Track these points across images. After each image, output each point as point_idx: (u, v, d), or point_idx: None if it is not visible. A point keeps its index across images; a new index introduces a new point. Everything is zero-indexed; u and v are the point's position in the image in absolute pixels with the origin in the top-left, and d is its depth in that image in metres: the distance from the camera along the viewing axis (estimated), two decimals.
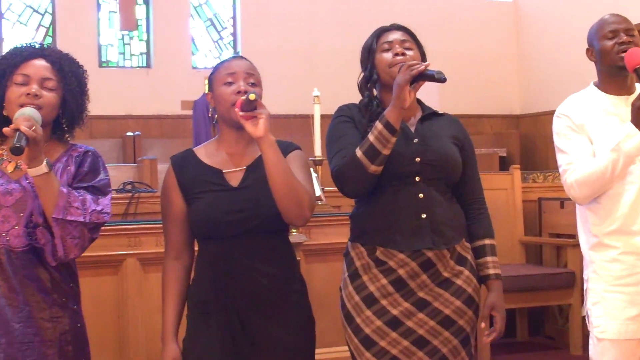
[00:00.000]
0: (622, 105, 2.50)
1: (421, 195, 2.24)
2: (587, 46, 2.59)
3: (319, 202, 3.93)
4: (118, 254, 3.47)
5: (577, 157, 2.48)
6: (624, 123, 2.42)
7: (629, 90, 2.53)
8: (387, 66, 2.29)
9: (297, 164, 2.21)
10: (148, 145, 7.09)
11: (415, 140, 2.28)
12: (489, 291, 2.33)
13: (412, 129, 2.32)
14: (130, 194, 4.29)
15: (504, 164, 7.53)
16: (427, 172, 2.26)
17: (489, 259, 2.36)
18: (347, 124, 2.31)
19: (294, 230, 3.60)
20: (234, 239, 2.12)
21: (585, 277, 2.58)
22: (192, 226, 2.20)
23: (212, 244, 2.16)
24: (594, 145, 2.48)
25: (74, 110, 2.22)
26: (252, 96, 2.08)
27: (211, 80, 2.26)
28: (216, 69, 2.27)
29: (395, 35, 2.33)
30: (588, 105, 2.54)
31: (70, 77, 2.20)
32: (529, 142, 8.04)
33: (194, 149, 2.29)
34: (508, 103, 8.43)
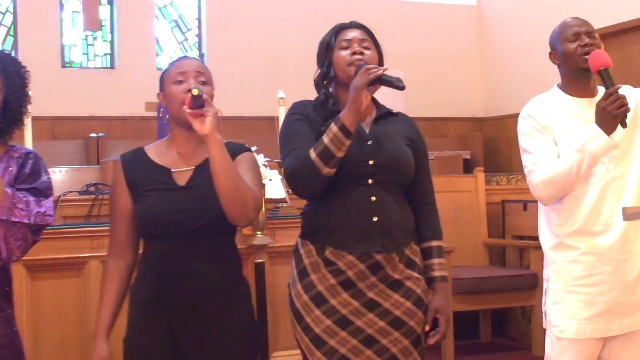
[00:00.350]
0: (585, 107, 2.53)
1: (373, 198, 2.25)
2: (549, 50, 2.63)
3: (284, 204, 3.93)
4: (81, 256, 3.39)
5: (542, 158, 2.51)
6: (588, 125, 2.46)
7: (592, 93, 2.57)
8: (345, 64, 2.29)
9: (245, 165, 2.20)
10: (111, 147, 7.02)
11: (369, 142, 2.29)
12: (434, 293, 2.34)
13: (367, 130, 2.32)
14: (93, 196, 4.25)
15: (468, 167, 7.57)
16: (380, 175, 2.27)
17: (435, 260, 2.36)
18: (300, 122, 2.31)
19: (259, 233, 3.60)
20: (178, 239, 2.11)
21: (545, 276, 2.60)
22: (138, 224, 2.19)
23: (156, 243, 2.14)
24: (559, 146, 2.51)
25: (16, 112, 2.20)
26: (195, 91, 2.08)
27: (162, 79, 2.27)
28: (167, 68, 2.28)
29: (354, 34, 2.33)
30: (552, 107, 2.56)
31: (14, 77, 2.18)
32: (492, 145, 8.09)
33: (145, 147, 2.29)
34: (472, 106, 8.48)
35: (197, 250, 2.13)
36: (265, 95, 6.96)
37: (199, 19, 7.92)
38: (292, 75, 7.56)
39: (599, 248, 2.48)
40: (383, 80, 2.16)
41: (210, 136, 2.08)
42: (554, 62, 2.62)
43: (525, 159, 2.56)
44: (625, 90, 2.51)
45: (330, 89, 2.35)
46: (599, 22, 6.79)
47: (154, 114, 6.07)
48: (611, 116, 2.39)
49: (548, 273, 2.58)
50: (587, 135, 2.44)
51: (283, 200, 3.87)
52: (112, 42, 7.66)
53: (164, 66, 7.72)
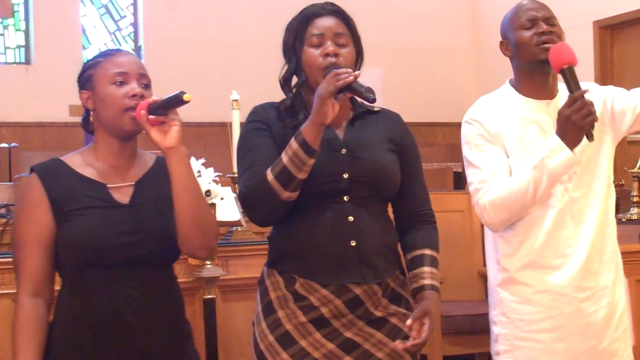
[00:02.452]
0: (542, 111, 2.49)
1: (350, 218, 2.26)
2: (501, 39, 2.59)
3: (238, 228, 3.93)
4: None
5: (491, 174, 2.46)
6: (546, 133, 2.43)
7: (550, 93, 2.52)
8: (316, 68, 2.30)
9: None
10: (27, 159, 6.96)
11: (343, 152, 2.30)
12: (423, 298, 2.30)
13: (341, 136, 2.34)
14: (3, 220, 4.22)
15: (459, 181, 7.60)
16: (357, 190, 2.28)
17: (426, 269, 2.34)
18: (260, 131, 2.33)
19: (208, 263, 3.59)
20: (117, 268, 2.10)
21: (492, 318, 2.55)
22: (65, 250, 2.14)
23: (90, 274, 2.12)
24: (510, 159, 2.47)
25: None
26: (187, 96, 2.10)
27: (89, 76, 2.25)
28: (97, 63, 2.25)
29: (328, 24, 2.33)
30: (503, 110, 2.52)
31: None
32: None
33: (62, 158, 2.27)
34: (464, 109, 8.52)
35: (143, 284, 2.13)
36: (216, 97, 6.95)
37: (135, 4, 7.92)
38: (250, 72, 7.61)
39: (555, 285, 2.43)
40: (352, 89, 2.18)
41: (176, 149, 2.11)
42: (505, 54, 2.57)
43: (471, 175, 2.51)
44: (591, 93, 2.41)
45: (301, 91, 2.37)
46: (615, 9, 6.97)
47: (80, 119, 6.05)
48: (576, 127, 2.31)
49: (496, 315, 2.53)
50: (546, 149, 2.37)
51: (237, 223, 3.87)
52: (27, 32, 7.62)
53: None
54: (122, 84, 2.21)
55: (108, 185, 2.20)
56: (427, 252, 2.36)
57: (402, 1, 8.40)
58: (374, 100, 2.15)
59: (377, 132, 2.37)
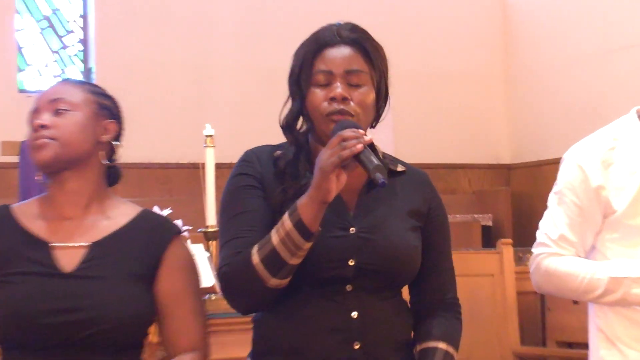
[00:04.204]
0: None
1: (354, 314, 2.29)
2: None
3: (213, 296, 3.91)
4: None
5: (570, 242, 2.81)
6: None
7: None
8: (319, 114, 2.32)
9: (185, 279, 2.33)
10: None
11: (352, 231, 2.32)
12: None
13: (351, 207, 2.35)
14: None
15: (488, 237, 7.64)
16: (364, 280, 2.31)
17: None
18: (251, 190, 2.35)
19: None
20: (53, 353, 2.10)
21: None
22: None
23: (16, 357, 2.11)
24: (618, 214, 2.74)
25: None
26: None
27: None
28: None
29: (340, 58, 2.33)
30: (624, 155, 2.76)
31: None
32: (524, 205, 8.16)
33: (14, 205, 2.30)
34: (494, 148, 8.61)
35: None
36: (185, 132, 6.96)
37: (85, 17, 7.93)
38: (227, 103, 7.61)
39: None
40: (359, 160, 2.19)
41: None
42: None
43: (548, 226, 2.86)
44: None
45: (307, 139, 2.39)
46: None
47: (16, 158, 6.02)
48: None
49: None
50: (636, 270, 2.69)
51: (211, 290, 3.84)
52: None
53: (30, 87, 7.86)
54: (32, 124, 2.28)
55: (53, 245, 2.20)
56: (442, 345, 2.38)
57: (417, 19, 8.42)
58: (383, 185, 2.14)
59: (398, 204, 2.39)
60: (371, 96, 2.35)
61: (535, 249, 2.89)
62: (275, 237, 2.21)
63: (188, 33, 7.82)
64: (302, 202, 2.20)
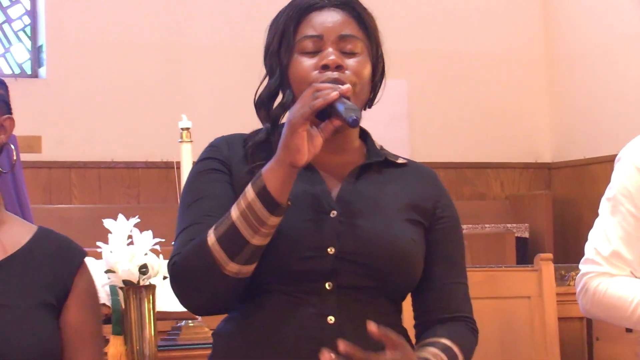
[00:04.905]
0: None
1: (331, 318, 2.30)
2: None
3: (190, 322, 3.90)
4: None
5: (625, 260, 2.88)
6: None
7: None
8: (308, 86, 2.31)
9: (86, 316, 2.36)
10: None
11: (333, 214, 2.35)
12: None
13: (335, 191, 2.39)
14: None
15: (524, 252, 7.65)
16: (347, 275, 2.32)
17: (431, 349, 2.35)
18: (215, 174, 2.40)
19: None
20: None
21: None
22: None
23: None
24: None
25: None
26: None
27: None
28: None
29: (330, 21, 2.39)
30: None
31: None
32: (568, 213, 8.23)
33: None
34: (531, 143, 8.63)
35: None
36: (156, 125, 6.95)
37: None
38: (208, 89, 7.60)
39: None
40: (335, 111, 2.23)
41: None
42: None
43: (597, 239, 2.93)
44: None
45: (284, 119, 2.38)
46: None
47: None
48: None
49: None
50: None
51: (187, 315, 3.83)
52: None
53: None
54: None
55: None
56: (445, 341, 2.39)
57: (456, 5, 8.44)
58: (354, 122, 2.18)
59: (393, 192, 2.42)
60: (367, 68, 2.40)
61: (582, 267, 2.94)
62: (234, 210, 2.23)
63: (159, 5, 7.81)
64: (268, 167, 2.23)
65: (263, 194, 2.20)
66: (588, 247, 2.92)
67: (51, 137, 6.93)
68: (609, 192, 2.90)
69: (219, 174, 2.39)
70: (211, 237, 2.24)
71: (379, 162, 2.44)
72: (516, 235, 7.77)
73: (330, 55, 2.34)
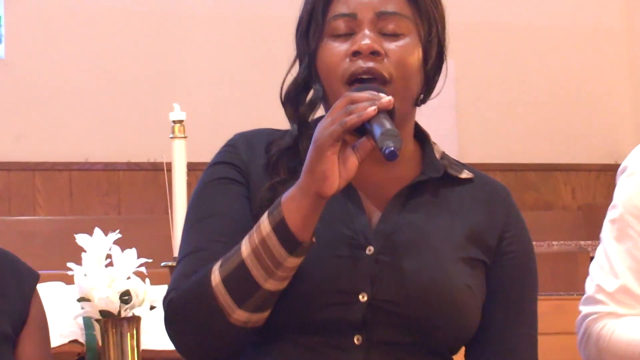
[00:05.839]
0: None
1: None
2: None
3: None
4: None
5: (634, 297, 2.84)
6: None
7: None
8: (336, 78, 2.34)
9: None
10: None
11: (369, 250, 2.33)
12: None
13: (375, 219, 2.38)
14: None
15: None
16: (383, 329, 2.32)
17: None
18: (225, 185, 2.40)
19: None
20: None
21: None
22: None
23: None
24: None
25: None
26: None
27: None
28: None
29: None
30: None
31: None
32: None
33: None
34: (610, 141, 8.65)
35: None
36: (140, 116, 6.99)
37: None
38: (205, 73, 7.63)
39: None
40: (368, 128, 2.19)
41: None
42: None
43: (599, 273, 2.89)
44: None
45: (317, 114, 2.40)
46: None
47: None
48: None
49: None
50: None
51: (179, 356, 3.87)
52: None
53: None
54: None
55: None
56: None
57: None
58: (391, 155, 2.12)
59: (449, 222, 2.40)
60: (416, 54, 2.36)
61: (583, 307, 2.90)
62: (245, 245, 2.22)
63: None
64: (289, 195, 2.21)
65: (280, 229, 2.19)
66: (589, 283, 2.89)
67: (9, 130, 6.99)
68: (614, 213, 2.88)
69: (234, 185, 2.39)
70: (215, 276, 2.23)
71: (436, 178, 2.40)
72: (591, 254, 7.75)
73: (364, 38, 2.32)
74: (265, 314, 2.24)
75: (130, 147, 7.22)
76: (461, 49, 7.59)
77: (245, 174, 2.37)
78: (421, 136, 2.45)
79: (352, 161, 2.18)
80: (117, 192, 7.25)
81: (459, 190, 2.43)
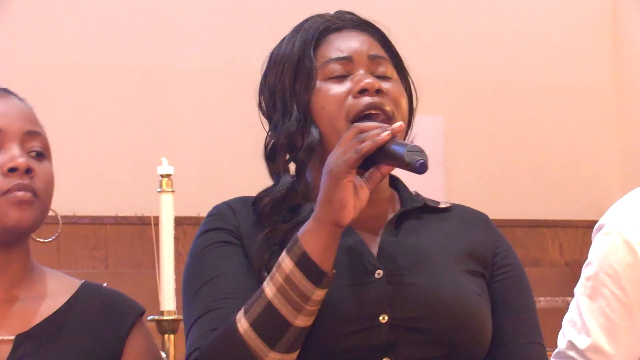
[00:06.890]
0: None
1: None
2: None
3: None
4: None
5: (606, 356, 2.84)
6: None
7: None
8: (344, 116, 2.38)
9: None
10: None
11: (378, 274, 2.37)
12: None
13: (373, 246, 2.42)
14: None
15: None
16: (409, 347, 2.34)
17: None
18: (223, 247, 2.43)
19: None
20: None
21: None
22: None
23: None
24: None
25: None
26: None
27: None
28: None
29: (356, 39, 2.45)
30: None
31: None
32: None
33: None
34: (599, 196, 8.54)
35: None
36: (128, 170, 6.99)
37: None
38: (193, 126, 7.62)
39: None
40: (389, 154, 2.25)
41: None
42: None
43: (571, 329, 2.92)
44: None
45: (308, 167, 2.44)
46: None
47: None
48: None
49: None
50: None
51: None
52: None
53: None
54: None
55: None
56: None
57: (517, 31, 8.51)
58: (422, 167, 2.19)
59: (443, 240, 2.46)
60: (402, 93, 2.48)
61: None
62: (269, 287, 2.24)
63: (132, 22, 7.87)
64: (306, 229, 2.25)
65: (304, 263, 2.22)
66: (561, 338, 2.92)
67: None
68: (589, 270, 2.89)
69: (230, 247, 2.42)
70: (242, 324, 2.25)
71: (418, 207, 2.48)
72: None
73: (367, 77, 2.40)
74: (295, 354, 2.26)
75: (118, 201, 7.20)
76: (449, 105, 7.61)
77: (237, 236, 2.40)
78: (393, 182, 2.53)
79: (364, 191, 2.24)
80: (105, 246, 7.22)
81: (442, 217, 2.51)
